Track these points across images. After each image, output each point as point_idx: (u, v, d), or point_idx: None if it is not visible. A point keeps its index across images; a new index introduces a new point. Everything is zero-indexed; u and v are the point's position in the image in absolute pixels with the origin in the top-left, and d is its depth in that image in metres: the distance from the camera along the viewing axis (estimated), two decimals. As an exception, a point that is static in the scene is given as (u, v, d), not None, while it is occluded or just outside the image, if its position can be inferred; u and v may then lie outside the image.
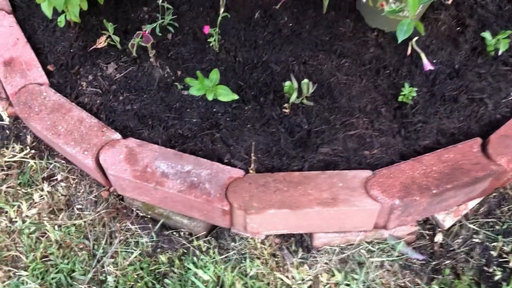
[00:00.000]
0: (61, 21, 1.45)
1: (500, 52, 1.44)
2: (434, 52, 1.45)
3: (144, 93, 1.34)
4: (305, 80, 1.28)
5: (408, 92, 1.34)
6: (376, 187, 1.18)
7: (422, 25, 1.22)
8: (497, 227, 1.30)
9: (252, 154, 1.23)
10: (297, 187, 1.18)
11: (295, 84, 1.27)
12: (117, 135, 1.26)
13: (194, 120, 1.30)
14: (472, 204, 1.33)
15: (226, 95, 1.27)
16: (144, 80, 1.37)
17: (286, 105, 1.32)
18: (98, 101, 1.34)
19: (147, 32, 1.38)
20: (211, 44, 1.41)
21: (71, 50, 1.45)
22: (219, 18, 1.38)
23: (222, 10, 1.36)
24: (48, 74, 1.40)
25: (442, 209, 1.28)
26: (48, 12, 1.40)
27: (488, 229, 1.30)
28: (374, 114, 1.34)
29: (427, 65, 1.32)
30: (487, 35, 1.47)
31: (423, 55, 1.33)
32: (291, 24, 1.50)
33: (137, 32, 1.32)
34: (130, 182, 1.20)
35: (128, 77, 1.38)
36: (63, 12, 1.43)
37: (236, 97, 1.29)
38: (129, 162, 1.21)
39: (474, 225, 1.30)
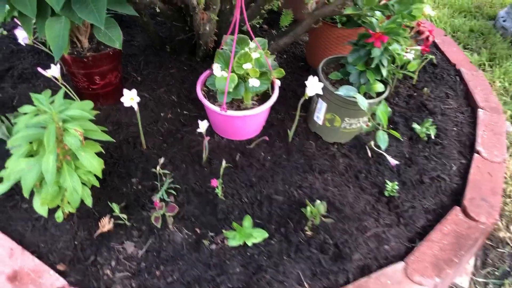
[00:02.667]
0: (58, 216, 1.39)
1: (432, 136, 1.82)
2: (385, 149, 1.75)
3: (177, 261, 1.34)
4: (318, 201, 1.45)
5: (392, 186, 1.59)
6: (416, 274, 1.35)
7: (397, 132, 1.51)
8: (497, 273, 1.56)
9: (305, 283, 1.32)
10: (358, 297, 1.29)
11: (313, 207, 1.42)
12: (174, 311, 1.22)
13: (238, 270, 1.33)
14: (471, 261, 1.59)
15: (261, 236, 1.36)
16: (170, 248, 1.37)
17: (306, 228, 1.45)
18: (134, 285, 1.29)
19: (157, 200, 1.42)
20: (218, 194, 1.50)
21: (75, 242, 1.38)
22: (222, 169, 1.49)
23: (224, 163, 1.48)
24: (61, 274, 1.31)
25: (459, 272, 1.51)
26: (43, 212, 1.34)
27: (492, 278, 1.55)
28: (374, 212, 1.55)
29: (393, 162, 1.60)
30: (416, 126, 1.84)
31: (387, 155, 1.62)
32: (269, 158, 1.68)
33: (160, 204, 1.35)
34: None
35: (151, 250, 1.37)
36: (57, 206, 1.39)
37: (267, 235, 1.38)
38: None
39: (481, 278, 1.55)
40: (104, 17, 1.38)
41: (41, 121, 1.21)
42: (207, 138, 1.55)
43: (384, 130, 1.49)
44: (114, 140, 1.34)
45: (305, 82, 1.47)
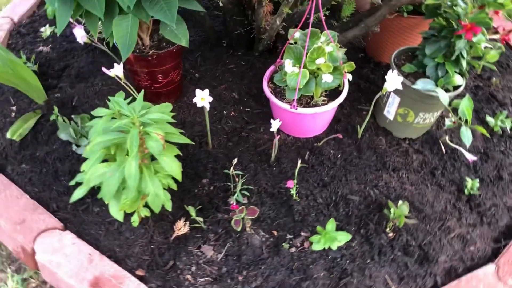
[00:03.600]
0: (134, 220, 1.36)
1: (508, 130, 1.73)
2: (459, 144, 1.67)
3: (259, 265, 1.30)
4: (400, 202, 1.39)
5: (472, 184, 1.51)
6: (509, 276, 1.28)
7: (482, 127, 1.43)
8: None
9: (393, 287, 1.26)
10: (450, 302, 1.23)
11: (396, 208, 1.36)
12: (263, 319, 1.18)
13: (322, 274, 1.29)
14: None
15: (345, 239, 1.31)
16: (250, 252, 1.33)
17: (387, 229, 1.39)
18: (217, 290, 1.26)
19: (233, 203, 1.38)
20: (293, 195, 1.45)
21: (152, 246, 1.36)
22: (297, 169, 1.44)
23: (299, 161, 1.43)
24: (142, 279, 1.28)
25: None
26: (120, 216, 1.31)
27: None
28: (456, 211, 1.47)
29: (471, 158, 1.52)
30: (489, 119, 1.75)
31: (463, 151, 1.54)
32: (339, 155, 1.61)
33: (241, 207, 1.31)
34: None
35: (231, 254, 1.33)
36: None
37: (350, 237, 1.33)
38: None
39: None
40: (175, 14, 1.33)
41: (121, 126, 1.17)
42: (277, 137, 1.49)
43: (467, 126, 1.41)
44: (194, 143, 1.30)
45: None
